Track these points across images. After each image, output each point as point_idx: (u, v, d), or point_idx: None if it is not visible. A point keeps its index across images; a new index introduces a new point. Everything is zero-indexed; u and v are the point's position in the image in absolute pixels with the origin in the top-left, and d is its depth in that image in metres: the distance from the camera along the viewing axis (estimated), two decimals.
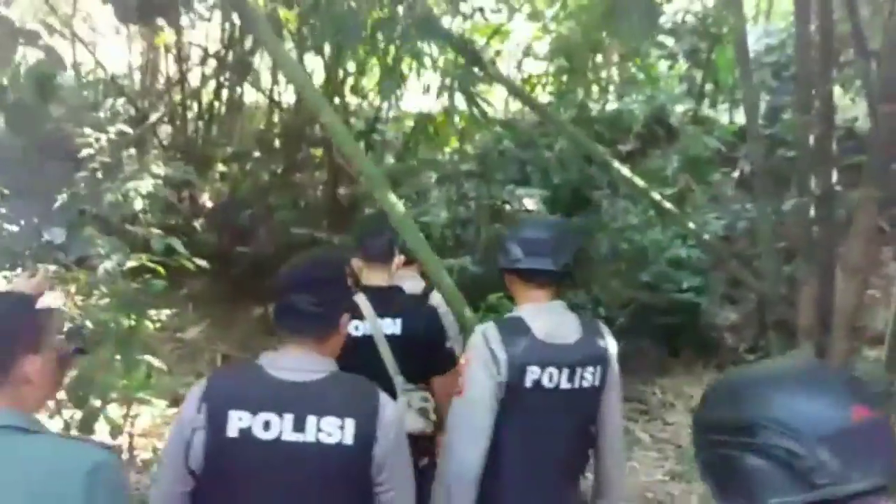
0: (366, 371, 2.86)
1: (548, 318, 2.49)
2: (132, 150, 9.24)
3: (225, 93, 10.67)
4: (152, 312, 6.37)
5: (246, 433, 1.91)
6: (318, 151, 10.00)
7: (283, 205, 9.36)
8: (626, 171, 4.89)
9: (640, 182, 4.78)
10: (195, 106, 10.55)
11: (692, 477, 5.61)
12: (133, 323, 4.32)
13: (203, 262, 4.75)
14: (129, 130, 7.91)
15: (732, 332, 7.63)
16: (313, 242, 8.03)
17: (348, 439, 1.94)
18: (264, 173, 10.11)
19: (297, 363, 2.04)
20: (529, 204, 8.50)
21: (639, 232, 7.51)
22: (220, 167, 10.58)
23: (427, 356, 2.94)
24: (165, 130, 10.66)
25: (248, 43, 9.95)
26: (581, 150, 6.81)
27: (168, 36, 9.48)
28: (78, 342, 3.70)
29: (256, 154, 10.17)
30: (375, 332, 3.01)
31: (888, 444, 1.38)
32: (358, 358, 2.79)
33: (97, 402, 4.02)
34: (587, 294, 7.53)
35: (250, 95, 10.95)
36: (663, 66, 9.81)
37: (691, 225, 5.53)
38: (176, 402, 5.52)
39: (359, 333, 2.99)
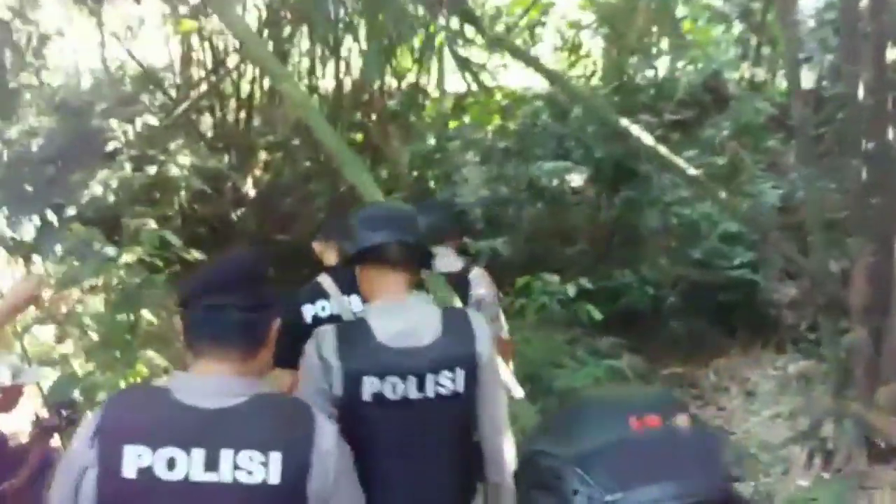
0: None
1: (398, 316, 2.12)
2: (179, 141, 9.24)
3: (265, 81, 10.54)
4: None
5: (146, 473, 1.57)
6: (359, 136, 9.77)
7: (322, 192, 9.17)
8: (649, 140, 4.41)
9: (666, 153, 4.30)
10: (236, 95, 10.43)
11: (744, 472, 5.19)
12: (132, 319, 4.11)
13: (201, 255, 4.51)
14: (156, 122, 7.79)
15: (792, 309, 7.10)
16: None
17: (274, 477, 1.59)
18: (305, 161, 9.95)
19: (212, 385, 1.68)
20: (575, 180, 8.12)
21: (688, 205, 7.04)
22: (263, 156, 10.49)
23: None
24: (208, 122, 10.59)
25: (287, 30, 9.80)
26: (599, 119, 6.37)
27: (200, 24, 9.33)
28: (67, 409, 3.56)
29: (296, 142, 10.00)
30: (343, 311, 2.85)
31: (694, 454, 1.16)
32: None
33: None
34: (634, 273, 7.12)
35: None
36: (717, 30, 9.25)
37: (723, 195, 4.98)
38: None
39: (325, 314, 2.87)
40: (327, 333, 2.10)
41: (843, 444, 4.32)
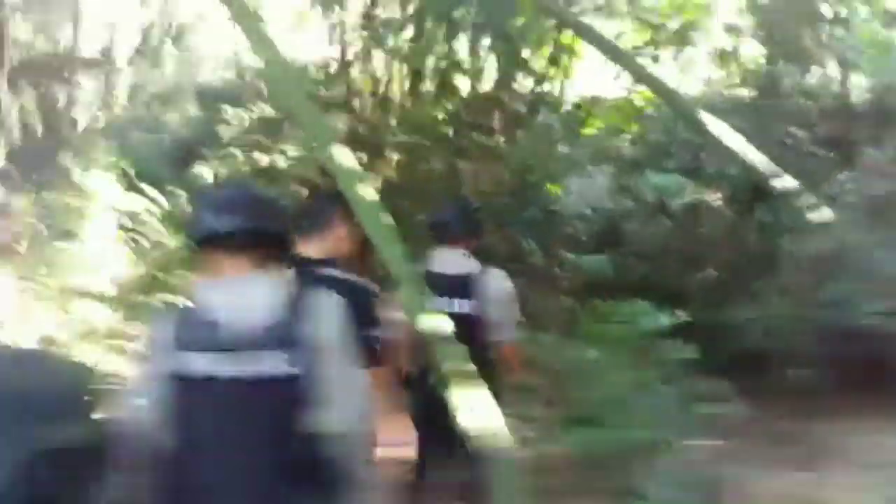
0: None
1: (234, 294, 2.07)
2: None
3: (406, 80, 10.31)
4: None
5: None
6: (490, 140, 9.32)
7: (440, 194, 8.78)
8: (732, 141, 3.52)
9: (761, 162, 3.40)
10: (373, 92, 10.28)
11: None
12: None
13: None
14: (273, 113, 7.73)
15: None
16: None
17: None
18: (434, 163, 9.63)
19: None
20: (711, 198, 7.26)
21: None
22: (396, 156, 10.26)
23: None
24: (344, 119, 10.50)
25: (428, 24, 9.55)
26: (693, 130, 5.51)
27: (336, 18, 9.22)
28: None
29: (426, 142, 9.69)
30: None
31: None
32: None
33: None
34: (762, 309, 6.17)
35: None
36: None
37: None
38: None
39: None
40: (165, 318, 2.14)
41: None
